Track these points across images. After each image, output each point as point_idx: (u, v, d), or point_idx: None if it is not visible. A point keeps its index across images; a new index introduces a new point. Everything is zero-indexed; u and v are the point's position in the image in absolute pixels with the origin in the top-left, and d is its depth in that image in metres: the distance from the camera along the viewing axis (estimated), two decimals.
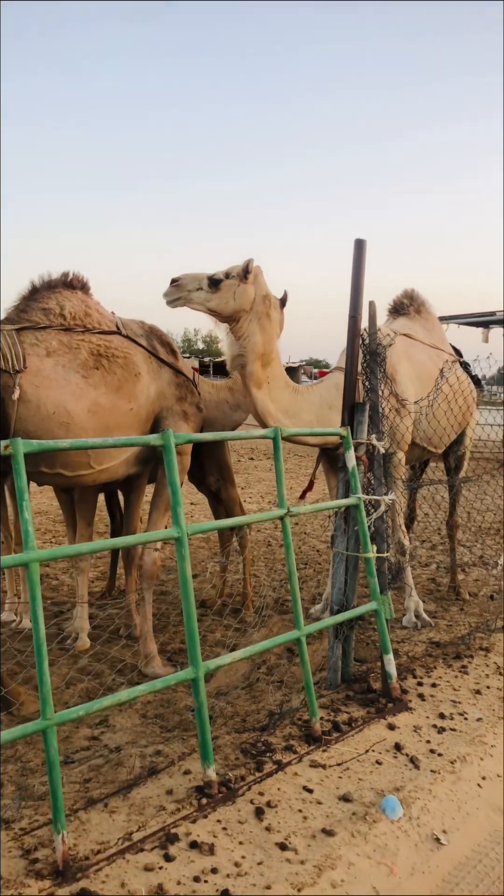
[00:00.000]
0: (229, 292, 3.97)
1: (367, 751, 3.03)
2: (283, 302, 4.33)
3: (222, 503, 5.07)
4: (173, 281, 4.02)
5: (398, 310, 5.24)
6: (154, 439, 2.70)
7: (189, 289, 4.00)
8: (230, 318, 4.03)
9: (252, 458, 15.23)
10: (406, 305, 5.23)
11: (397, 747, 3.10)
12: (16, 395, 3.55)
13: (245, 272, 3.96)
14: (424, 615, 4.82)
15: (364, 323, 3.89)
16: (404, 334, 4.83)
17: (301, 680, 3.19)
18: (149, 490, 4.59)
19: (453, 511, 5.70)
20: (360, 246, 3.80)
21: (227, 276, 3.98)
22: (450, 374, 4.67)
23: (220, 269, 4.03)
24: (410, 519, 5.90)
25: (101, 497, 5.15)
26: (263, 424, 4.00)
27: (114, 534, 5.40)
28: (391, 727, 3.26)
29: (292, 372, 35.21)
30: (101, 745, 3.22)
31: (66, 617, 4.83)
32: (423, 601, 5.29)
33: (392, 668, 3.51)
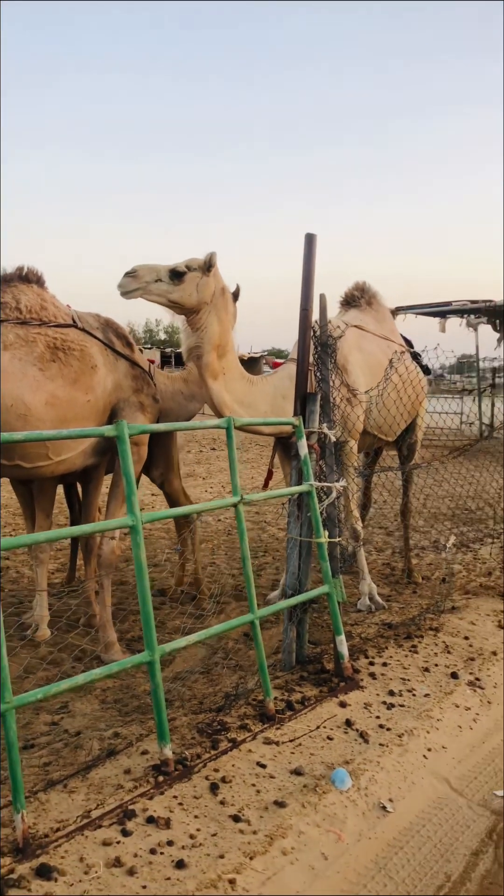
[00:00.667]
0: (192, 285, 3.98)
1: (318, 727, 3.16)
2: (235, 296, 4.42)
3: (166, 495, 5.14)
4: (129, 272, 3.97)
5: (350, 302, 5.37)
6: (108, 430, 2.77)
7: (146, 280, 3.95)
8: (190, 311, 4.06)
9: (214, 449, 15.30)
10: (357, 297, 5.36)
11: (348, 723, 3.23)
12: None
13: (208, 265, 4.00)
14: (378, 598, 4.97)
15: (315, 315, 3.99)
16: (355, 326, 4.96)
17: (257, 663, 3.30)
18: (107, 481, 4.65)
19: (406, 497, 5.86)
20: (310, 240, 3.90)
21: (189, 268, 3.99)
22: (399, 364, 4.81)
23: (178, 262, 4.05)
24: (365, 506, 6.05)
25: (61, 489, 5.19)
26: (219, 415, 4.08)
27: (73, 524, 5.44)
28: (343, 705, 3.40)
29: (254, 362, 35.30)
30: (62, 730, 3.29)
31: (27, 608, 4.87)
32: (378, 585, 5.45)
33: (344, 648, 3.64)
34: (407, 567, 5.82)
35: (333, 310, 5.10)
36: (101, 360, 4.05)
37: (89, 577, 4.75)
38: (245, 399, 4.30)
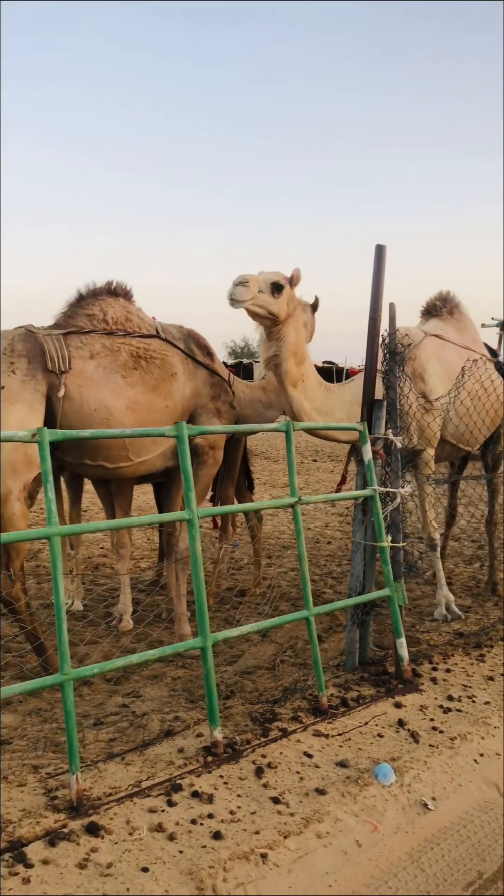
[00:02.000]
0: (286, 297, 4.14)
1: (366, 723, 3.23)
2: (314, 307, 4.56)
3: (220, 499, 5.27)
4: (240, 282, 3.99)
5: (431, 311, 5.38)
6: (168, 430, 2.99)
7: (255, 291, 4.02)
8: (276, 322, 4.19)
9: (315, 460, 15.41)
10: (439, 307, 5.36)
11: (400, 723, 3.28)
12: (61, 394, 3.92)
13: (294, 279, 4.16)
14: (455, 608, 4.94)
15: (385, 324, 4.08)
16: (435, 335, 4.98)
17: (321, 661, 3.41)
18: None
19: (492, 508, 5.77)
20: (380, 251, 4.00)
21: (284, 282, 4.13)
22: (477, 372, 4.78)
23: (263, 274, 4.16)
24: (451, 516, 6.00)
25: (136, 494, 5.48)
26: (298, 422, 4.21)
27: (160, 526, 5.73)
28: (398, 705, 3.44)
29: (328, 371, 35.09)
30: (129, 712, 3.53)
31: (115, 601, 5.20)
32: (460, 596, 5.40)
33: (404, 651, 3.69)
34: (490, 580, 5.72)
35: (410, 320, 5.15)
36: (180, 368, 4.31)
37: (170, 574, 5.00)
38: (323, 406, 4.42)
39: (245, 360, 36.79)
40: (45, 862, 2.27)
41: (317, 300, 4.74)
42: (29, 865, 2.25)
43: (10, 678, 3.65)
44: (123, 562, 4.83)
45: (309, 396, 4.35)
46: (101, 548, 7.10)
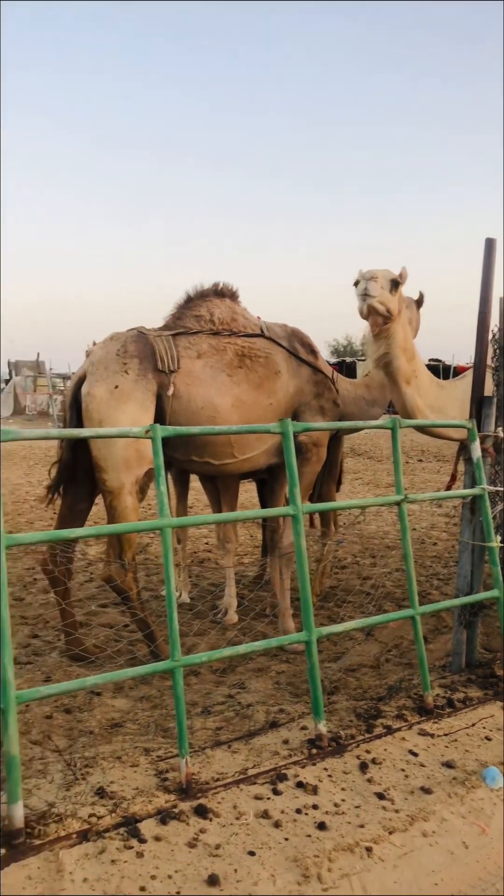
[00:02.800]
0: (398, 294, 4.12)
1: (473, 724, 3.16)
2: (419, 303, 4.51)
3: (319, 497, 5.24)
4: (370, 276, 3.95)
5: None
6: (274, 427, 3.04)
7: (382, 286, 3.97)
8: (386, 320, 4.16)
9: (421, 460, 15.12)
10: None
11: None
12: (170, 392, 4.06)
13: (403, 277, 4.12)
14: None
15: (495, 320, 3.97)
16: None
17: (426, 661, 3.38)
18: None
19: None
20: (489, 245, 3.90)
21: (397, 280, 4.09)
22: None
23: (374, 272, 4.13)
24: None
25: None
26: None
27: (264, 523, 5.82)
28: None
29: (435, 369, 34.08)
30: (235, 702, 3.61)
31: (220, 595, 5.32)
32: None
33: None
34: None
35: None
36: (284, 367, 4.36)
37: (274, 570, 5.07)
38: (436, 403, 4.36)
39: (348, 359, 36.50)
40: (158, 839, 2.38)
41: (421, 296, 4.67)
42: (142, 840, 2.36)
43: (121, 664, 3.81)
44: (228, 556, 4.94)
45: (422, 393, 4.30)
46: (206, 543, 7.27)
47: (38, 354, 37.99)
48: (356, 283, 3.97)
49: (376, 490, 10.75)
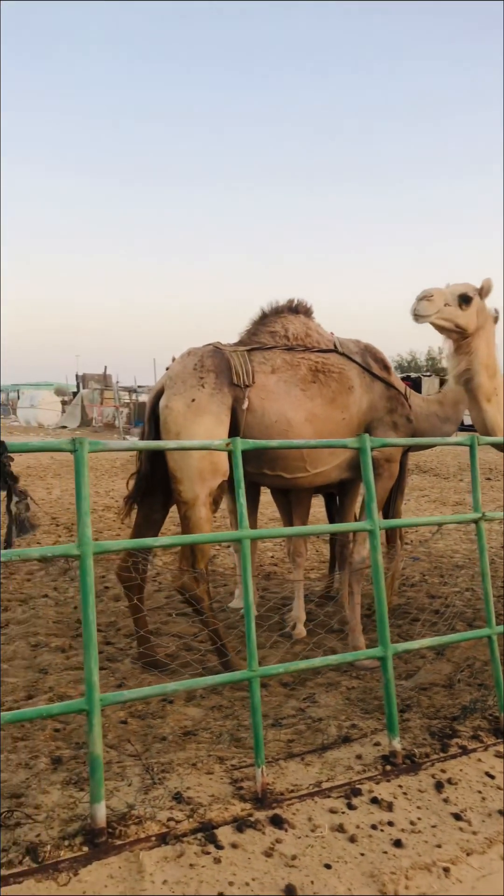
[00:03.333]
0: (474, 309, 4.10)
1: None
2: (495, 320, 4.47)
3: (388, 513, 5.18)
4: (424, 296, 4.03)
5: None
6: (352, 442, 3.06)
7: (439, 305, 4.03)
8: (465, 335, 4.15)
9: (489, 479, 14.81)
10: None
11: None
12: (245, 406, 4.12)
13: (484, 290, 4.12)
14: None
15: None
16: None
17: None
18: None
19: None
20: None
21: (472, 293, 4.10)
22: None
23: (451, 286, 4.14)
24: None
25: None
26: (492, 436, 4.12)
27: (332, 537, 5.82)
28: None
29: None
30: (306, 716, 3.62)
31: (289, 609, 5.34)
32: None
33: None
34: None
35: None
36: (357, 382, 4.38)
37: (344, 585, 5.06)
38: None
39: (413, 374, 36.13)
40: (234, 846, 2.41)
41: (498, 312, 4.63)
42: (219, 847, 2.39)
43: (192, 674, 3.87)
44: (298, 570, 4.96)
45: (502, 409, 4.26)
46: (272, 556, 7.30)
47: (105, 368, 38.93)
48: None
49: (443, 508, 10.58)
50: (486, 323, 4.18)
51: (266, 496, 6.04)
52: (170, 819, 2.52)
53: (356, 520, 5.23)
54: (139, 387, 34.80)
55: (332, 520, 5.89)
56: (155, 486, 4.26)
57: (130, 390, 34.68)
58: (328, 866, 2.35)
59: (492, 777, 2.91)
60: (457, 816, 2.64)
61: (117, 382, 33.70)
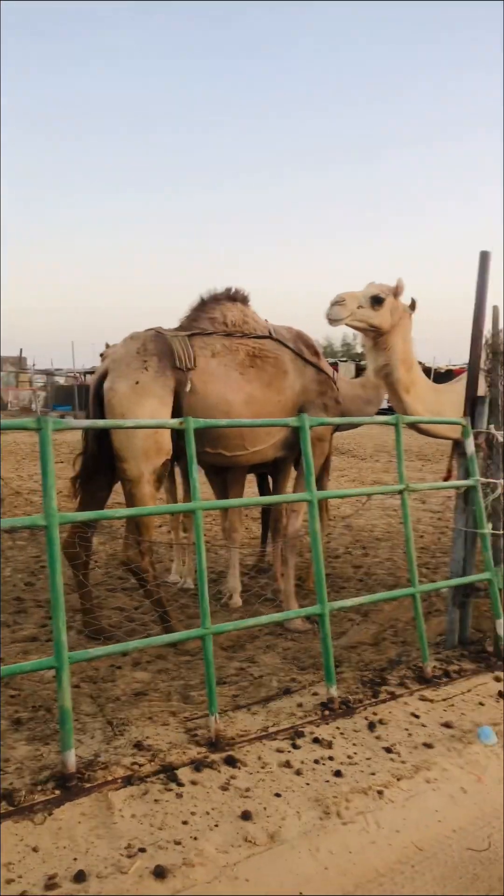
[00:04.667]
0: (388, 309, 4.44)
1: (468, 691, 3.51)
2: (411, 308, 4.85)
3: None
4: (336, 301, 4.34)
5: None
6: (293, 421, 3.36)
7: (352, 308, 4.34)
8: (381, 332, 4.50)
9: (411, 460, 15.51)
10: None
11: (500, 694, 3.54)
12: (188, 389, 4.36)
13: (398, 290, 4.46)
14: None
15: (487, 325, 4.32)
16: None
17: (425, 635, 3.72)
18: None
19: None
20: (484, 258, 4.24)
21: (385, 294, 4.43)
22: None
23: (374, 287, 4.48)
24: None
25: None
26: (413, 425, 4.49)
27: (264, 513, 6.14)
28: (497, 679, 3.70)
29: (449, 375, 34.66)
30: (248, 674, 3.92)
31: (223, 582, 5.63)
32: None
33: (502, 631, 3.93)
34: None
35: None
36: (291, 367, 4.68)
37: (276, 557, 5.39)
38: (434, 408, 4.70)
39: (329, 360, 36.96)
40: (194, 783, 2.69)
41: (413, 302, 5.03)
42: (181, 784, 2.66)
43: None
44: (234, 544, 5.25)
45: (421, 400, 4.65)
46: (206, 531, 7.56)
47: (21, 351, 38.00)
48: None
49: (361, 487, 11.10)
50: (402, 320, 4.53)
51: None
52: (133, 763, 2.77)
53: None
54: (57, 370, 34.23)
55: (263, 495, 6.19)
56: (100, 466, 4.44)
57: (47, 373, 34.06)
58: (278, 795, 2.65)
59: (417, 717, 3.28)
60: (387, 750, 3.00)
61: (34, 365, 33.03)
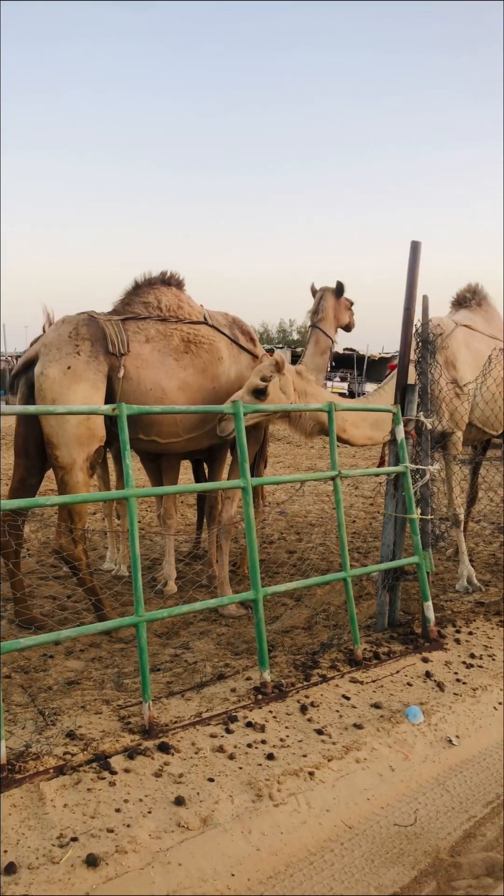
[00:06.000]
0: (275, 389, 4.32)
1: (399, 672, 3.61)
2: (340, 290, 4.90)
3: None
4: (221, 419, 4.28)
5: (461, 302, 5.70)
6: (226, 408, 3.36)
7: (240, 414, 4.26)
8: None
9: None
10: (468, 299, 5.68)
11: (427, 675, 3.66)
12: (121, 374, 4.30)
13: (280, 366, 4.38)
14: (476, 581, 5.29)
15: (418, 315, 4.41)
16: (465, 325, 5.30)
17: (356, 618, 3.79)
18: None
19: None
20: (415, 247, 4.32)
21: (267, 379, 4.30)
22: (501, 361, 5.11)
23: (255, 376, 4.37)
24: (472, 497, 6.34)
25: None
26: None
27: (199, 500, 6.14)
28: (425, 660, 3.82)
29: (384, 362, 35.29)
30: (182, 660, 3.93)
31: (159, 569, 5.61)
32: (480, 572, 5.75)
33: (430, 613, 4.05)
34: None
35: (441, 310, 5.48)
36: (226, 353, 4.67)
37: (211, 542, 5.40)
38: (371, 433, 4.76)
39: (266, 346, 37.08)
40: (127, 771, 2.68)
41: (339, 284, 5.11)
42: (113, 772, 2.65)
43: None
44: (169, 531, 5.23)
45: (358, 429, 4.71)
46: (140, 520, 7.51)
47: None
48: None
49: (296, 472, 11.21)
50: (294, 379, 4.47)
51: (136, 463, 6.23)
52: (66, 753, 2.74)
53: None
54: None
55: (198, 481, 6.19)
56: (32, 451, 4.34)
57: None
58: (211, 780, 2.68)
59: (348, 699, 3.36)
60: (319, 731, 3.06)
61: None
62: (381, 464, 5.53)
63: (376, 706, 3.31)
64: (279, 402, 4.29)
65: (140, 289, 4.65)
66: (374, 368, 38.35)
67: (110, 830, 2.37)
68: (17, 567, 4.34)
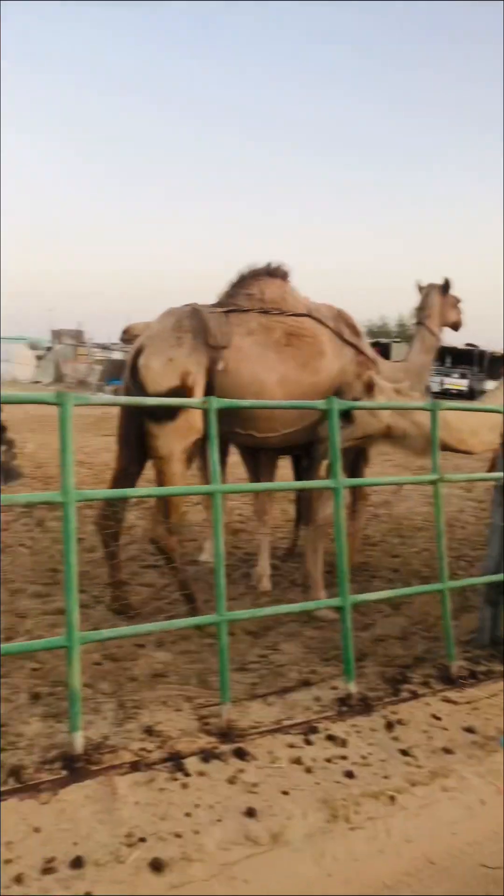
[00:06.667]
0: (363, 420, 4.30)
1: (494, 695, 3.36)
2: (446, 288, 4.65)
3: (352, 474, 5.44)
4: None
5: None
6: (320, 404, 3.23)
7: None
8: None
9: None
10: None
11: None
12: (220, 367, 4.25)
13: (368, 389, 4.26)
14: None
15: None
16: None
17: (452, 633, 3.57)
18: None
19: None
20: None
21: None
22: None
23: None
24: None
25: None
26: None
27: (299, 496, 6.02)
28: None
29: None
30: (269, 661, 3.84)
31: (254, 564, 5.55)
32: None
33: None
34: None
35: None
36: (329, 347, 4.53)
37: (306, 541, 5.27)
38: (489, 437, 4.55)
39: (383, 340, 36.34)
40: (201, 774, 2.63)
41: (446, 281, 4.85)
42: (187, 774, 2.61)
43: (162, 621, 4.05)
44: (264, 527, 5.16)
45: (477, 437, 4.50)
46: (238, 515, 7.49)
47: (80, 324, 38.40)
48: None
49: (406, 472, 10.84)
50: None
51: (234, 457, 6.20)
52: (141, 749, 2.73)
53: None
54: (113, 344, 34.46)
55: (299, 480, 6.07)
56: (131, 441, 4.38)
57: (104, 347, 34.33)
58: (286, 793, 2.58)
59: (438, 719, 3.16)
60: (404, 752, 2.89)
61: (91, 339, 33.33)
62: (491, 468, 5.23)
63: (469, 730, 3.10)
64: (369, 429, 4.15)
65: (244, 280, 4.59)
66: (496, 365, 36.76)
67: (178, 835, 2.33)
68: (115, 553, 4.40)
